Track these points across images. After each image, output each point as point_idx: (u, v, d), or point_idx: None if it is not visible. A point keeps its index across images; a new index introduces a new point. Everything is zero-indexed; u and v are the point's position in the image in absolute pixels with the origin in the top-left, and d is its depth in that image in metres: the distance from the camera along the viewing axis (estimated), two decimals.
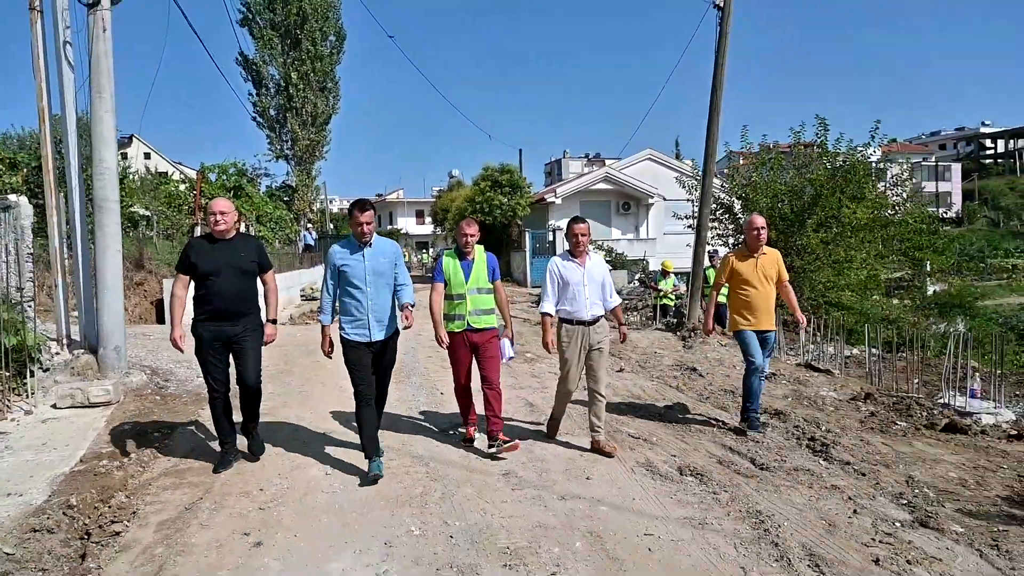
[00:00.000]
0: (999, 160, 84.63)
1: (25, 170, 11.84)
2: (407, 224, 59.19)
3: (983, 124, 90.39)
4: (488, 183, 27.44)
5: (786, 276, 5.75)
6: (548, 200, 28.62)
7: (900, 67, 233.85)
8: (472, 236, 5.08)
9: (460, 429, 5.54)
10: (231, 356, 4.80)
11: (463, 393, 5.26)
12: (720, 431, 5.75)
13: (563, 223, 28.62)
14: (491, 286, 5.11)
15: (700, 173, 14.16)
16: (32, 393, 6.70)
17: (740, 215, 15.90)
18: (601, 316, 5.10)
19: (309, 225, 29.50)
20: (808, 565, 3.33)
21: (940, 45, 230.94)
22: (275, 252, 19.94)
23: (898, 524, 3.84)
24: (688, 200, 17.89)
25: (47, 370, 7.25)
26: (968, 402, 6.49)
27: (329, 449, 5.22)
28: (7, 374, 6.62)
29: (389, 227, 59.45)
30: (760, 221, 5.66)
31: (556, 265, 5.09)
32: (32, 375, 6.82)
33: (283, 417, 6.21)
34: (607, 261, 26.18)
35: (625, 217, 30.36)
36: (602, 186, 29.50)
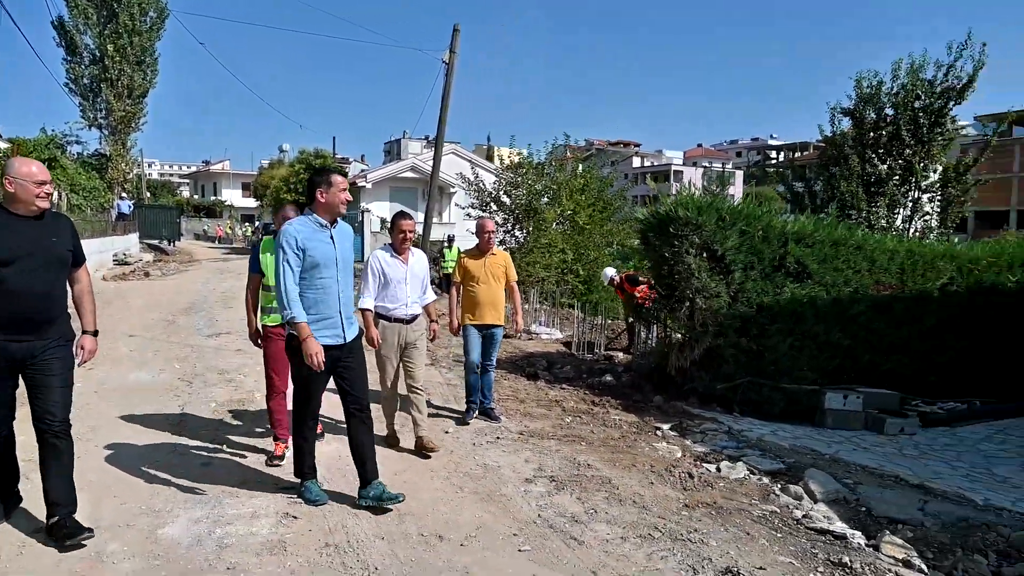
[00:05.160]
0: (780, 169, 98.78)
1: None
2: (232, 196, 59.23)
3: (771, 136, 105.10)
4: (303, 166, 30.37)
5: (514, 277, 6.02)
6: (360, 184, 32.05)
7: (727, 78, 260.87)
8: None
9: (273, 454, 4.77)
10: (23, 382, 3.40)
11: (278, 400, 4.75)
12: None
13: (373, 205, 32.27)
14: None
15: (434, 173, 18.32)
16: None
17: (509, 205, 19.83)
18: (419, 314, 5.07)
19: (124, 194, 30.59)
20: None
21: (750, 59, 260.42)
22: (88, 220, 21.67)
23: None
24: (467, 192, 21.93)
25: None
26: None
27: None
28: None
29: (213, 198, 59.30)
30: (490, 226, 5.96)
31: (379, 260, 4.93)
32: None
33: None
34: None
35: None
36: (409, 174, 33.42)
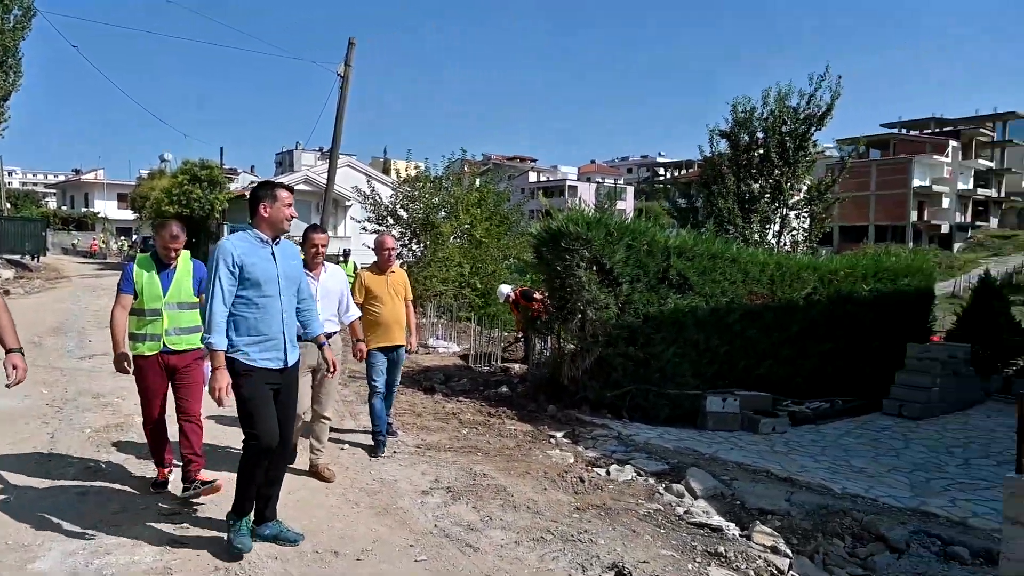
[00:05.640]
0: (667, 186, 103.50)
1: None
2: (107, 208, 55.38)
3: (659, 154, 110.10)
4: (187, 177, 28.91)
5: (411, 296, 5.89)
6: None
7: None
8: (178, 240, 4.29)
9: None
10: None
11: (156, 428, 4.44)
12: None
13: None
14: (196, 300, 4.36)
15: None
16: None
17: (406, 219, 19.61)
18: (335, 333, 4.83)
19: None
20: None
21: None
22: None
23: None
24: (363, 206, 21.57)
25: None
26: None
27: None
28: None
29: (84, 209, 55.24)
30: (390, 243, 5.64)
31: None
32: None
33: None
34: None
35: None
36: (303, 187, 32.48)
